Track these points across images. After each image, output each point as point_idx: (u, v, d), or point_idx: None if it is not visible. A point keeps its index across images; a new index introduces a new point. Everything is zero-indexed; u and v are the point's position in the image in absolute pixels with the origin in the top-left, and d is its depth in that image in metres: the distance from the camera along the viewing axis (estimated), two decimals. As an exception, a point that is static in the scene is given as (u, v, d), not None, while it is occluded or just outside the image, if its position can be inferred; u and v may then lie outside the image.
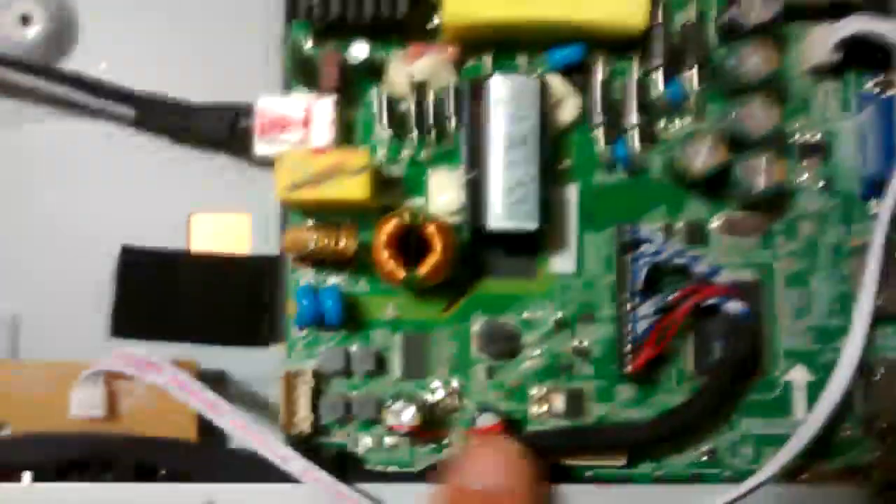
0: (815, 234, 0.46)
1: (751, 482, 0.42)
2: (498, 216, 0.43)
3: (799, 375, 0.45)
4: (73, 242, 0.47)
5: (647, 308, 0.44)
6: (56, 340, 0.46)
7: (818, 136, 0.46)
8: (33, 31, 0.46)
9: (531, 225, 0.43)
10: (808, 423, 0.43)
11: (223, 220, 0.47)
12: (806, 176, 0.46)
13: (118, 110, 0.45)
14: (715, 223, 0.46)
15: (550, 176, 0.44)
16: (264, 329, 0.46)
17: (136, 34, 0.47)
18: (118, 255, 0.46)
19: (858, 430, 0.45)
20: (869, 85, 0.47)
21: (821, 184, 0.46)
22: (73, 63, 0.47)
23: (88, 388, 0.43)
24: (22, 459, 0.42)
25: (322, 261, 0.45)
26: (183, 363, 0.43)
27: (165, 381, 0.41)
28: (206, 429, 0.43)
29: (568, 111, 0.46)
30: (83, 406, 0.43)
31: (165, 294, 0.46)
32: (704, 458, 0.45)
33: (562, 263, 0.46)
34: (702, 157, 0.43)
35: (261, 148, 0.44)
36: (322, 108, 0.44)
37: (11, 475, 0.42)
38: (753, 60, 0.43)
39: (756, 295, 0.45)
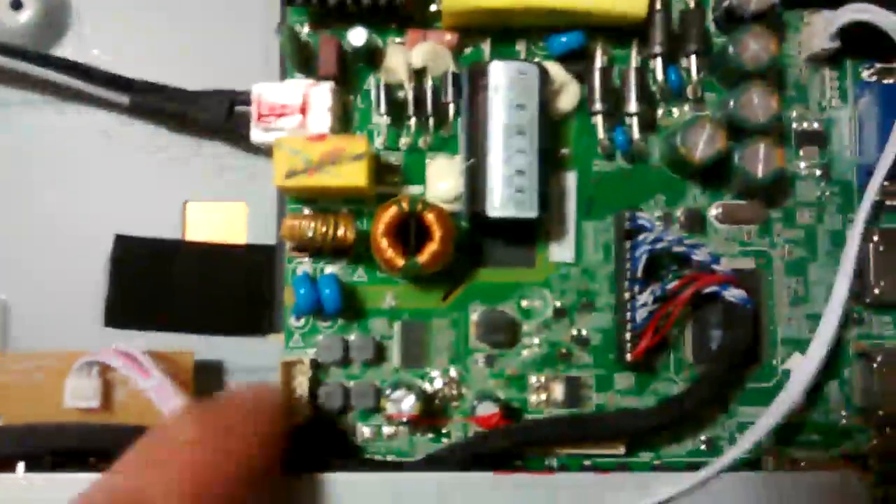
0: (814, 222, 0.46)
1: (707, 471, 0.42)
2: (498, 204, 0.42)
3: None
4: (65, 231, 0.46)
5: (646, 296, 0.44)
6: (48, 330, 0.46)
7: (816, 125, 0.46)
8: (25, 17, 0.46)
9: (531, 213, 0.42)
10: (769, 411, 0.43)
11: (219, 209, 0.47)
12: (804, 164, 0.46)
13: (112, 97, 0.44)
14: (714, 211, 0.46)
15: (549, 164, 0.44)
16: (262, 319, 0.46)
17: (131, 20, 0.47)
18: (112, 244, 0.46)
19: (857, 418, 0.45)
20: (866, 73, 0.47)
21: (819, 172, 0.46)
22: (66, 49, 0.47)
23: (83, 378, 0.42)
24: (16, 450, 0.41)
25: (320, 249, 0.44)
26: (179, 354, 0.43)
27: (149, 386, 0.41)
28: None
29: (567, 98, 0.45)
30: (78, 396, 0.42)
31: (160, 284, 0.46)
32: (703, 446, 0.45)
33: (560, 252, 0.46)
34: (701, 145, 0.43)
35: (257, 135, 0.44)
36: (319, 95, 0.44)
37: (5, 466, 0.41)
38: (752, 48, 0.43)
39: (755, 283, 0.45)
